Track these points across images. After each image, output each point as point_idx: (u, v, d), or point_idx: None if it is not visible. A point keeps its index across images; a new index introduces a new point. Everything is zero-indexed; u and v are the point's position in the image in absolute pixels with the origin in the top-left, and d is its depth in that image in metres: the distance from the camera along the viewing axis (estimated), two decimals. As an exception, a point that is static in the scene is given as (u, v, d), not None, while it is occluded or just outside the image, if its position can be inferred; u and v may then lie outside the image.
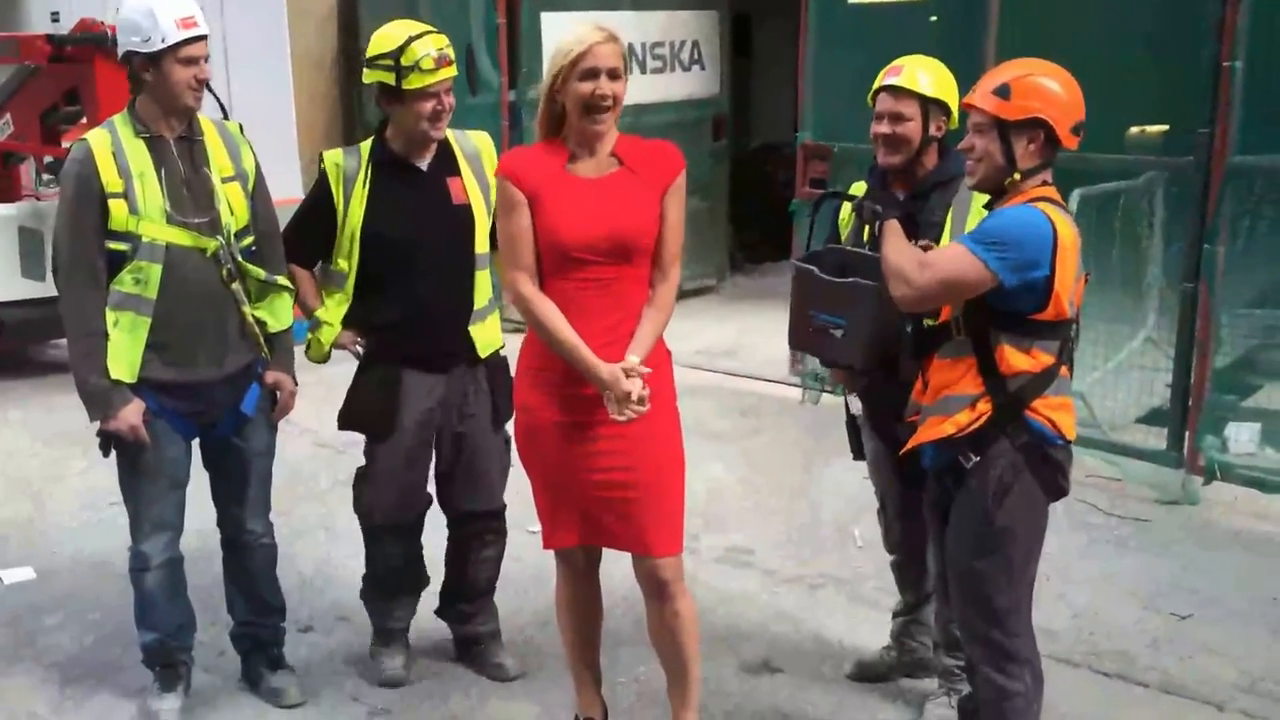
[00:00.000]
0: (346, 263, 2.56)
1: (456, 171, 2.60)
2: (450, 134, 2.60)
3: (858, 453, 2.62)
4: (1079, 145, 2.09)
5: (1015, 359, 2.04)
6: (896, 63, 2.39)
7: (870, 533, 3.24)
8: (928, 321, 2.17)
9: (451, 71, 2.49)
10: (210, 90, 2.49)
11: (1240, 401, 4.02)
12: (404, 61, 2.42)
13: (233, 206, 2.47)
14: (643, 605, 2.31)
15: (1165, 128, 4.32)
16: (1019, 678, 2.12)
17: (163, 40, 2.33)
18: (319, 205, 2.59)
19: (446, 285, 2.58)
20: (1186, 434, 3.72)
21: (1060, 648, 2.84)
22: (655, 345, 2.17)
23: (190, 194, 2.42)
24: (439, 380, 2.59)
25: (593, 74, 2.10)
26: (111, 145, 2.39)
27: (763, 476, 3.92)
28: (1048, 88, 2.03)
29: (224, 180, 2.47)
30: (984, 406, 2.05)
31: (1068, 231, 2.02)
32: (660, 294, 2.20)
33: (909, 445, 2.19)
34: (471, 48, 6.08)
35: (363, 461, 2.68)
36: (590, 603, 2.35)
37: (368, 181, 2.53)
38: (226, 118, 2.61)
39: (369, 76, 2.50)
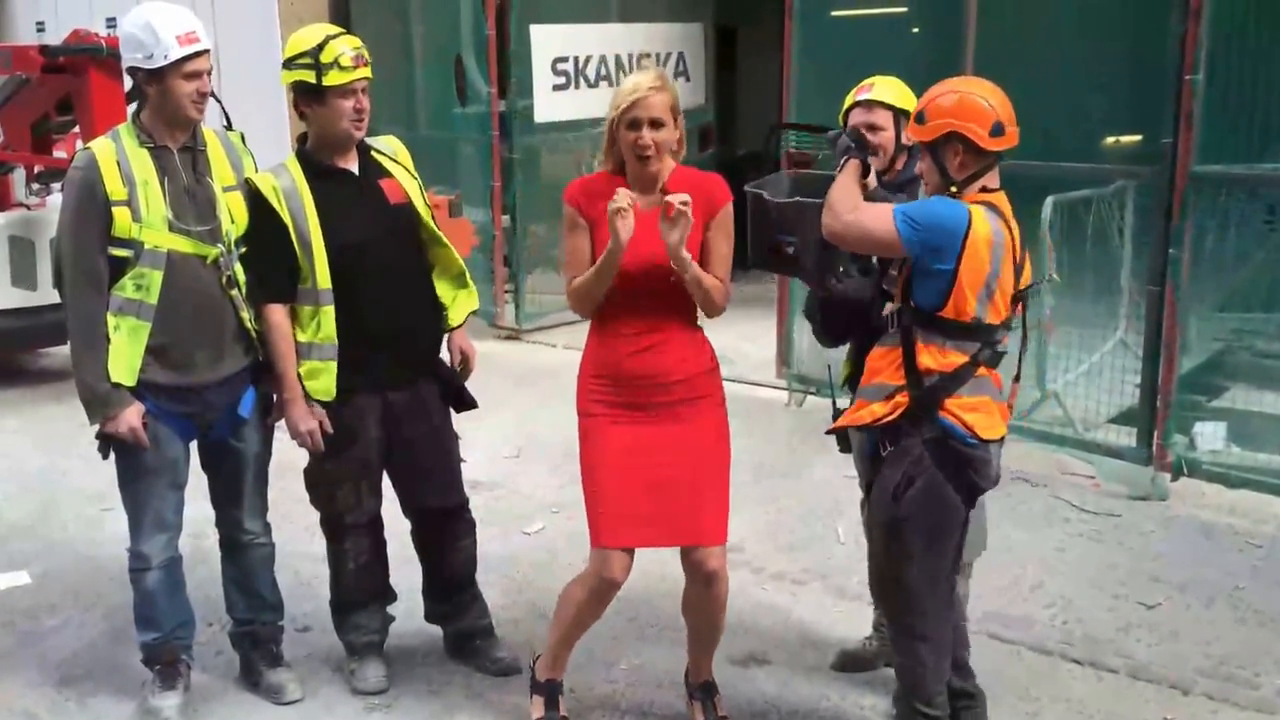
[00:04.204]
0: (310, 280, 2.50)
1: (385, 174, 2.61)
2: (366, 140, 2.62)
3: (844, 446, 2.72)
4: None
5: (928, 357, 2.16)
6: (866, 82, 2.57)
7: (852, 529, 3.35)
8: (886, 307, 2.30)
9: (367, 72, 2.50)
10: (217, 100, 2.55)
11: (1208, 401, 4.16)
12: (323, 59, 2.44)
13: (233, 215, 2.53)
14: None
15: (1137, 137, 4.47)
16: (916, 651, 2.26)
17: (165, 57, 2.38)
18: (275, 231, 2.49)
19: (409, 289, 2.61)
20: (1155, 432, 3.83)
21: (1035, 636, 2.95)
22: (703, 293, 2.34)
23: (192, 202, 2.48)
24: (398, 395, 2.61)
25: (636, 124, 2.28)
26: (116, 154, 2.43)
27: (751, 476, 4.00)
28: (954, 102, 2.16)
29: (225, 190, 2.53)
30: (901, 399, 2.18)
31: (984, 230, 2.12)
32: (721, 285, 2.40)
33: (837, 425, 2.32)
34: (461, 58, 6.17)
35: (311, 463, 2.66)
36: (604, 606, 2.48)
37: (311, 193, 2.51)
38: (230, 128, 2.65)
39: (287, 78, 2.49)
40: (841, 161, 2.28)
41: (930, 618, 2.26)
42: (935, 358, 2.15)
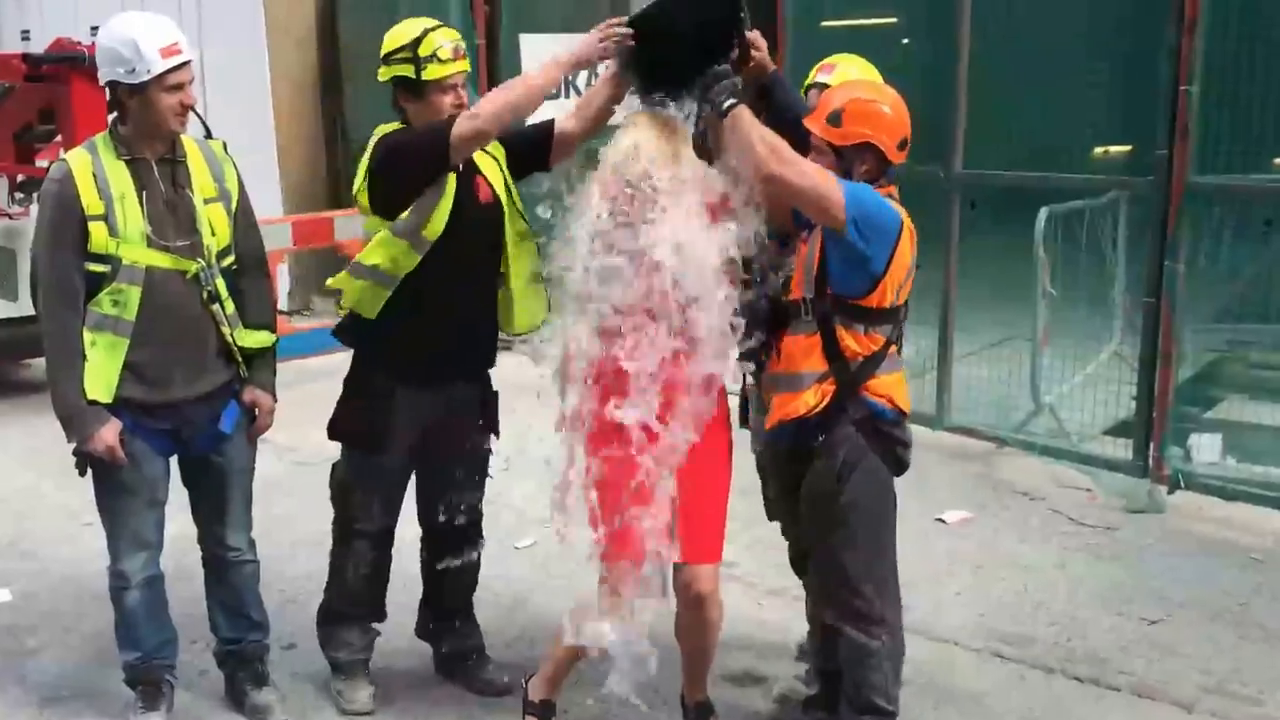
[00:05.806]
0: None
1: (478, 169, 2.54)
2: None
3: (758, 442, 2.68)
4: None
5: (852, 341, 2.21)
6: (828, 61, 2.48)
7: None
8: (782, 297, 2.28)
9: (466, 65, 2.47)
10: (194, 111, 2.49)
11: (1203, 413, 4.15)
12: (421, 52, 2.40)
13: (215, 227, 2.47)
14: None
15: (1129, 148, 4.47)
16: (876, 636, 2.27)
17: (148, 72, 2.31)
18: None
19: (478, 292, 2.56)
20: (1151, 445, 3.82)
21: (1035, 653, 2.92)
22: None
23: (172, 216, 2.41)
24: (437, 399, 2.57)
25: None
26: (92, 166, 2.37)
27: (746, 492, 3.96)
28: (875, 111, 2.17)
29: (206, 201, 2.46)
30: (828, 386, 2.21)
31: (909, 226, 2.19)
32: None
33: (771, 422, 2.31)
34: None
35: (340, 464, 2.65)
36: None
37: None
38: (209, 137, 2.59)
39: (385, 73, 2.46)
40: (729, 104, 2.08)
41: (890, 602, 2.28)
42: (861, 341, 2.20)
